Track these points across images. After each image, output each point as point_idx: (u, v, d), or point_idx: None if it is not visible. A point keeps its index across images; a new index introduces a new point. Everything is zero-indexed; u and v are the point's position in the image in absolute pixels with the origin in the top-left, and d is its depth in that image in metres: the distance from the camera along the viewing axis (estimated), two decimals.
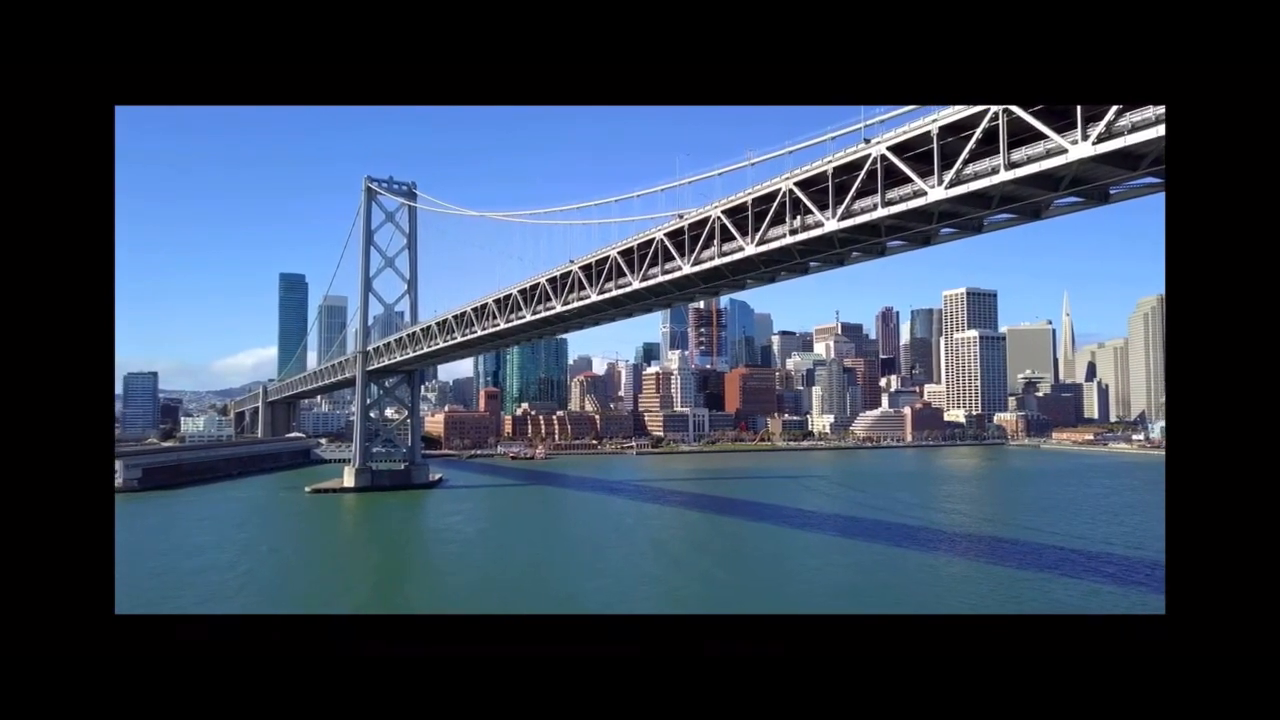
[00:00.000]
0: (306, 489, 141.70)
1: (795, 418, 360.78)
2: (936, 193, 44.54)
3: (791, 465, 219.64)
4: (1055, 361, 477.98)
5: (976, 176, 42.85)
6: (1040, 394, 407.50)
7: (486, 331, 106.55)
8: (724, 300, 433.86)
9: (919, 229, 52.83)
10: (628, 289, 74.79)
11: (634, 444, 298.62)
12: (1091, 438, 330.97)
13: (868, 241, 56.01)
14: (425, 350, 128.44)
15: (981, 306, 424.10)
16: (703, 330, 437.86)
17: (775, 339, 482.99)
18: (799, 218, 55.07)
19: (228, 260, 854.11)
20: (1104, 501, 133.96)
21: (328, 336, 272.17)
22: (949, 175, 43.76)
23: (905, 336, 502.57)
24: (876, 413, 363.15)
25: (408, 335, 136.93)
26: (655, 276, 71.06)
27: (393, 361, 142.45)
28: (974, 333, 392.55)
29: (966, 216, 49.88)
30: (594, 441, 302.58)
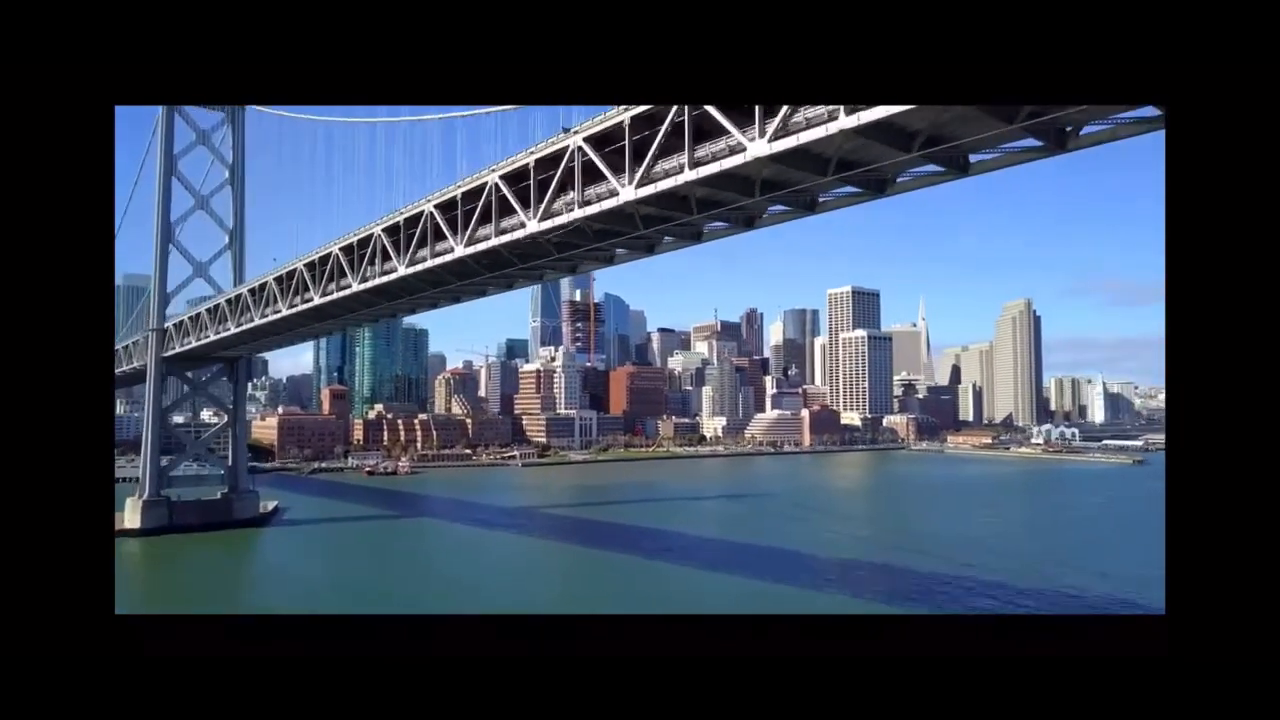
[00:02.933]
0: None
1: (684, 420, 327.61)
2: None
3: (696, 479, 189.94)
4: (923, 365, 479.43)
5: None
6: (920, 396, 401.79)
7: (325, 299, 69.90)
8: (599, 294, 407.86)
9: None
10: (519, 234, 47.41)
11: (517, 453, 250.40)
12: (990, 441, 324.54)
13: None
14: (245, 326, 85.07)
15: (866, 306, 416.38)
16: (579, 325, 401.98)
17: (655, 336, 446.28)
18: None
19: None
20: (1106, 531, 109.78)
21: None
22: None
23: (772, 337, 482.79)
24: (773, 415, 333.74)
25: (211, 309, 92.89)
26: (560, 214, 44.31)
27: (199, 343, 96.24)
28: (862, 332, 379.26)
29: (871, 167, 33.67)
30: (467, 450, 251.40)
